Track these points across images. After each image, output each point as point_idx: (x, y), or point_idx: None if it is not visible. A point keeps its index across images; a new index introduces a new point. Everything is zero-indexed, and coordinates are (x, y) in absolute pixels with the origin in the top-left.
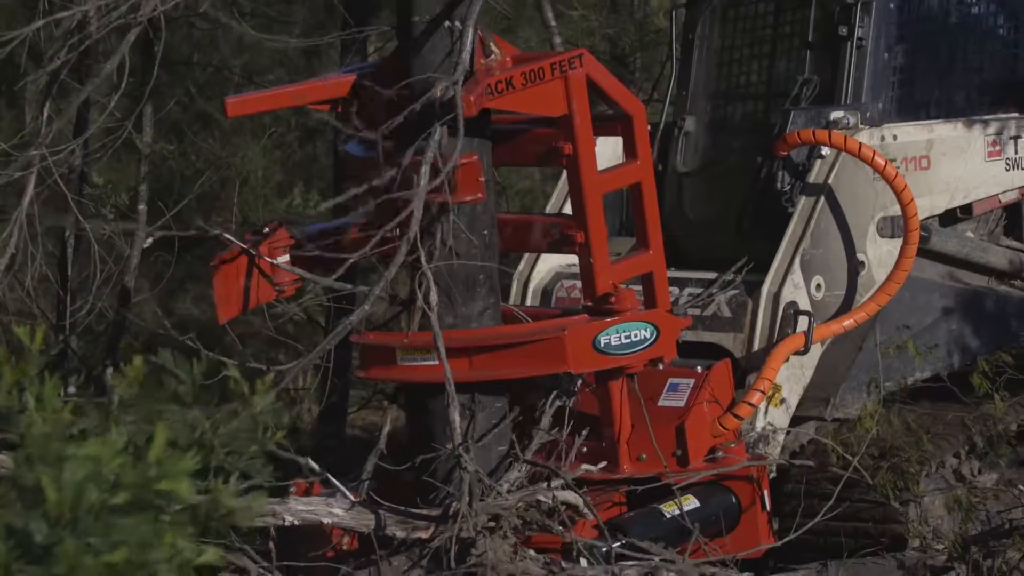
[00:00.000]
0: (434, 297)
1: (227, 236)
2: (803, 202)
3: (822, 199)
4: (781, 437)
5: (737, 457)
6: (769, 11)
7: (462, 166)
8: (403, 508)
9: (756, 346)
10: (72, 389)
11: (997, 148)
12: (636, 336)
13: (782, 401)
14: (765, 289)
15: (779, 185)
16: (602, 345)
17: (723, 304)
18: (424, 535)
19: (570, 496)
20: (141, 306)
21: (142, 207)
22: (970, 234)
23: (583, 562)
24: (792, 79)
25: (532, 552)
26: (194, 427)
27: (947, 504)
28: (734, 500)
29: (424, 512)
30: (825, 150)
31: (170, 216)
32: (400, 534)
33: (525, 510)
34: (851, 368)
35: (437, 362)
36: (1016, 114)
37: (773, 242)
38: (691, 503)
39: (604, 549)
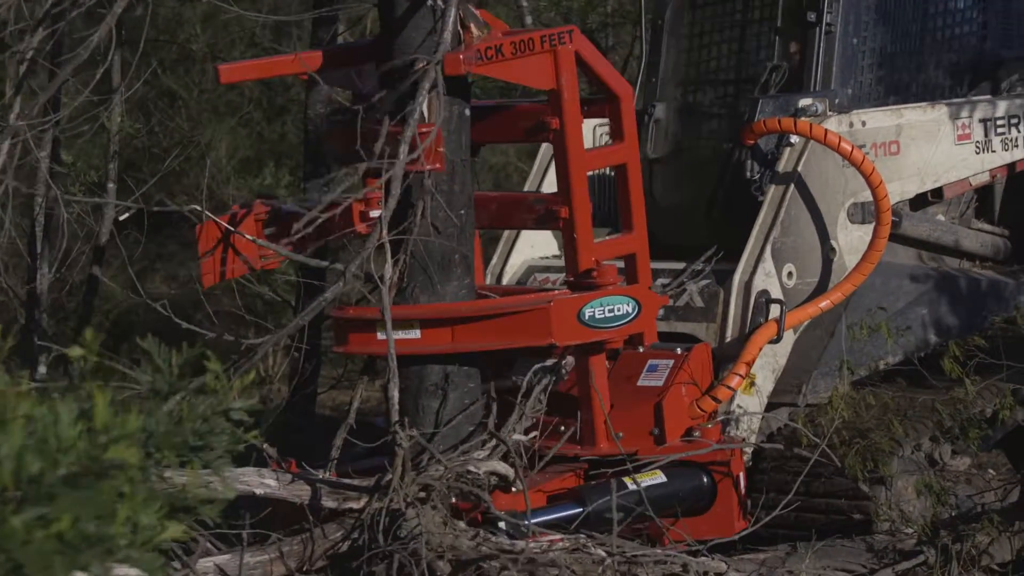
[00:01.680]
0: (389, 270)
1: (208, 215)
2: (773, 190)
3: (792, 187)
4: (756, 423)
5: (707, 440)
6: None
7: (420, 135)
8: (335, 479)
9: (729, 335)
10: (42, 368)
11: (967, 131)
12: (619, 310)
13: (752, 384)
14: (736, 278)
15: (748, 174)
16: (586, 318)
17: (695, 294)
18: (356, 505)
19: (499, 467)
20: (111, 285)
21: (111, 185)
22: (941, 217)
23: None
24: (762, 65)
25: (462, 524)
26: (170, 418)
27: (916, 488)
28: (706, 480)
29: (356, 483)
30: (794, 138)
31: (139, 194)
32: (331, 504)
33: (455, 480)
34: (823, 355)
35: (418, 335)
36: (986, 96)
37: (744, 229)
38: (657, 478)
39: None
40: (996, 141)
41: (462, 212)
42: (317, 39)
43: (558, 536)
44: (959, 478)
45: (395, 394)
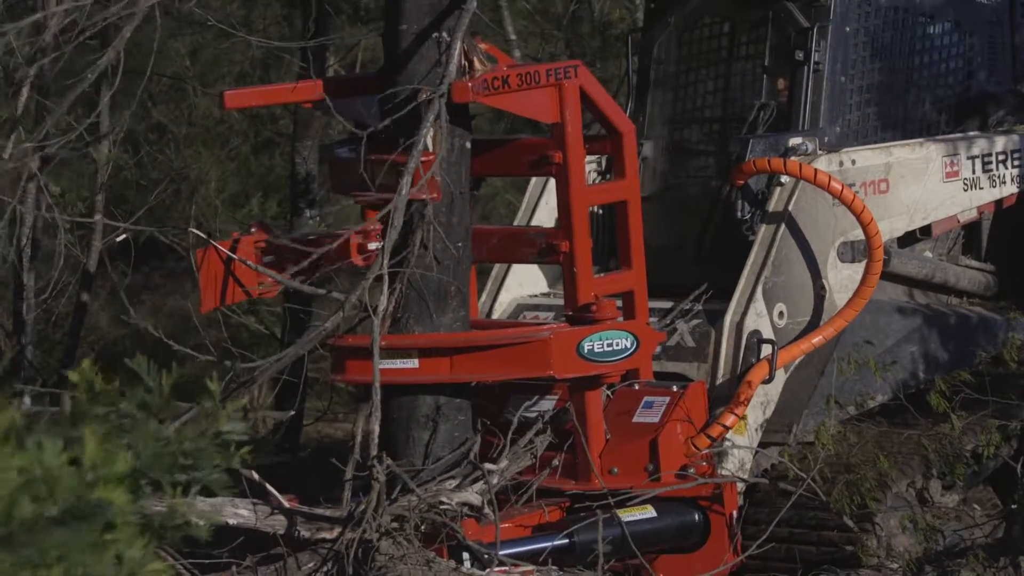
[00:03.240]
0: (384, 300)
1: (211, 241)
2: (764, 230)
3: (782, 226)
4: (748, 463)
5: (695, 475)
6: (725, 34)
7: (423, 165)
8: (308, 509)
9: (720, 375)
10: (27, 400)
11: (955, 168)
12: (618, 345)
13: (743, 421)
14: (728, 318)
15: (739, 213)
16: (586, 351)
17: (686, 334)
18: (329, 535)
19: (471, 497)
20: (97, 315)
21: (98, 216)
22: (928, 254)
23: (466, 562)
24: (749, 103)
25: (432, 554)
26: (159, 439)
27: (901, 523)
28: (697, 517)
29: (328, 514)
30: (784, 177)
31: (130, 223)
32: (305, 534)
33: (428, 511)
34: (813, 395)
35: (416, 364)
36: (974, 133)
37: (734, 268)
38: (647, 513)
39: (486, 555)
40: (984, 178)
41: (460, 244)
42: (309, 70)
43: (531, 568)
44: (948, 514)
45: (375, 427)
